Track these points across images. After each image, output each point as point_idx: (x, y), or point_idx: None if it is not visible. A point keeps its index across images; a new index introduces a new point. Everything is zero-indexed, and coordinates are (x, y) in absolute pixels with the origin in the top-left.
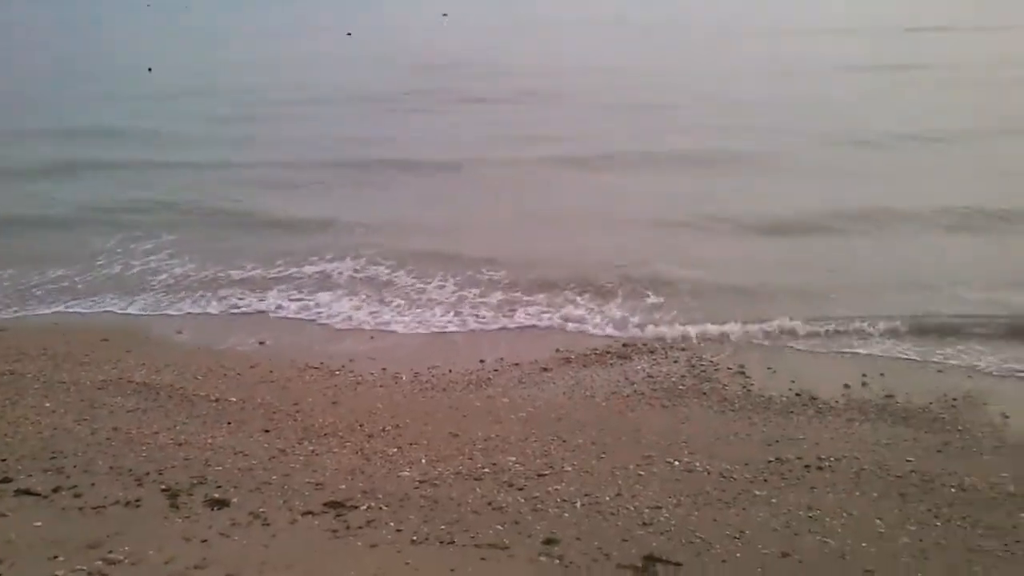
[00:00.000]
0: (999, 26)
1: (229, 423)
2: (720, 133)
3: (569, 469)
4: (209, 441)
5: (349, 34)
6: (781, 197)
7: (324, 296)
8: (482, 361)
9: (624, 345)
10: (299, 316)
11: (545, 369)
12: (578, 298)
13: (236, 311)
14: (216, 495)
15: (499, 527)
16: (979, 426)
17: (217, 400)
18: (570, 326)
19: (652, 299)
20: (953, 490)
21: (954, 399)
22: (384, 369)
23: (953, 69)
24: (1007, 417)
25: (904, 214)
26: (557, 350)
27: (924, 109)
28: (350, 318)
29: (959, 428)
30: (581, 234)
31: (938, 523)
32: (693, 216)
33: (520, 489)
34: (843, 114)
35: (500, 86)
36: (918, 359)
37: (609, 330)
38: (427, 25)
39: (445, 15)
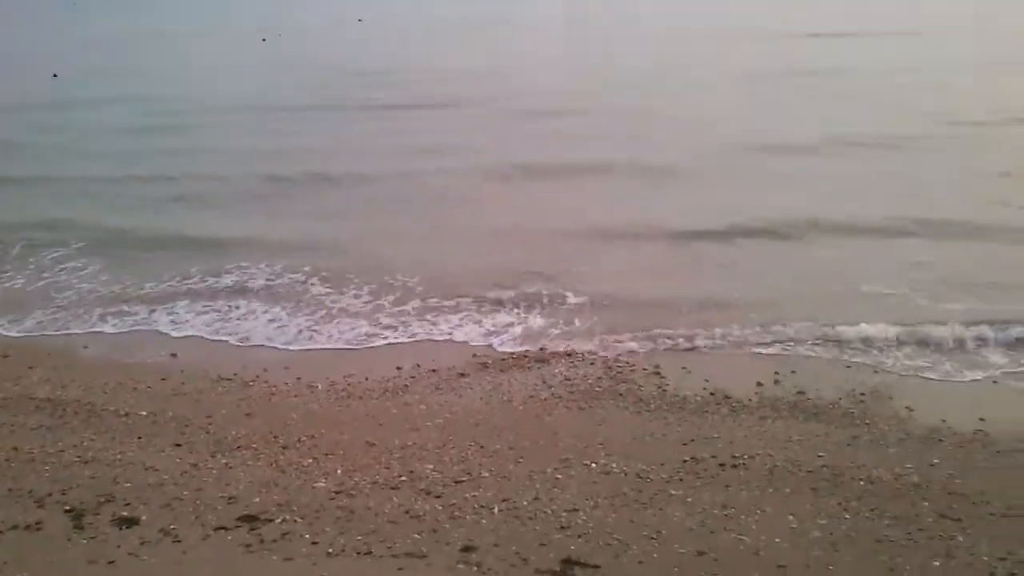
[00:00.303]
0: (900, 31)
1: (139, 438)
2: (628, 142)
3: (487, 475)
4: (118, 457)
5: (264, 39)
6: (692, 206)
7: (238, 308)
8: (399, 368)
9: (541, 349)
10: (212, 328)
11: (462, 375)
12: (495, 305)
13: (146, 325)
14: (124, 513)
15: (416, 536)
16: (885, 419)
17: (126, 414)
18: (487, 333)
19: (569, 304)
20: (862, 483)
21: (862, 394)
22: (299, 379)
23: (858, 75)
24: (911, 410)
25: (812, 221)
26: (474, 355)
27: (829, 115)
28: (264, 329)
29: (867, 422)
30: (496, 244)
31: (847, 516)
32: (606, 225)
33: (438, 497)
34: (749, 121)
35: (414, 93)
36: (828, 357)
37: (526, 335)
38: (343, 29)
39: (360, 20)
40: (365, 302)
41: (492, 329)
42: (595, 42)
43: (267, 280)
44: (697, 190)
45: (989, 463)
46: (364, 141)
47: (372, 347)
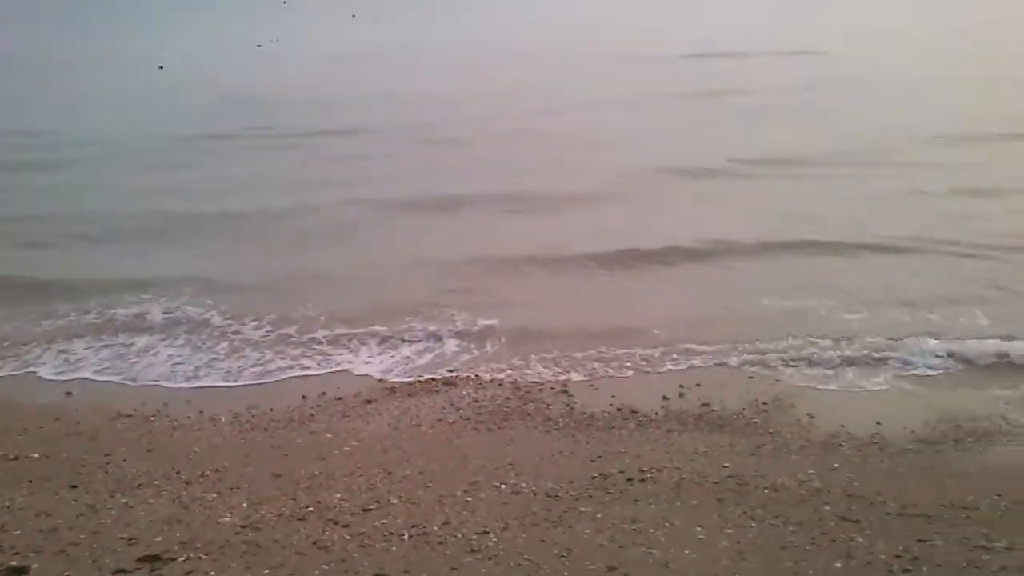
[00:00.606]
0: (796, 50)
1: (30, 481)
2: (532, 168)
3: (396, 501)
4: (6, 504)
5: (161, 67)
6: (598, 230)
7: (135, 343)
8: (304, 398)
9: (450, 372)
10: (110, 365)
11: (369, 401)
12: (401, 332)
13: (37, 365)
14: (13, 563)
15: (325, 567)
16: (788, 428)
17: (16, 458)
18: (394, 359)
19: (477, 329)
20: (766, 491)
21: (765, 404)
22: (202, 412)
23: (755, 95)
24: (812, 417)
25: (717, 241)
26: (381, 381)
27: (729, 137)
28: (165, 364)
29: (770, 431)
30: (402, 273)
31: (753, 524)
32: (514, 253)
33: (346, 526)
34: (652, 144)
35: (313, 121)
36: (732, 370)
37: (434, 360)
38: (242, 56)
39: (260, 46)
40: (267, 332)
41: (399, 355)
42: (495, 68)
43: (166, 315)
44: (603, 215)
45: (885, 465)
46: (261, 172)
47: (277, 379)
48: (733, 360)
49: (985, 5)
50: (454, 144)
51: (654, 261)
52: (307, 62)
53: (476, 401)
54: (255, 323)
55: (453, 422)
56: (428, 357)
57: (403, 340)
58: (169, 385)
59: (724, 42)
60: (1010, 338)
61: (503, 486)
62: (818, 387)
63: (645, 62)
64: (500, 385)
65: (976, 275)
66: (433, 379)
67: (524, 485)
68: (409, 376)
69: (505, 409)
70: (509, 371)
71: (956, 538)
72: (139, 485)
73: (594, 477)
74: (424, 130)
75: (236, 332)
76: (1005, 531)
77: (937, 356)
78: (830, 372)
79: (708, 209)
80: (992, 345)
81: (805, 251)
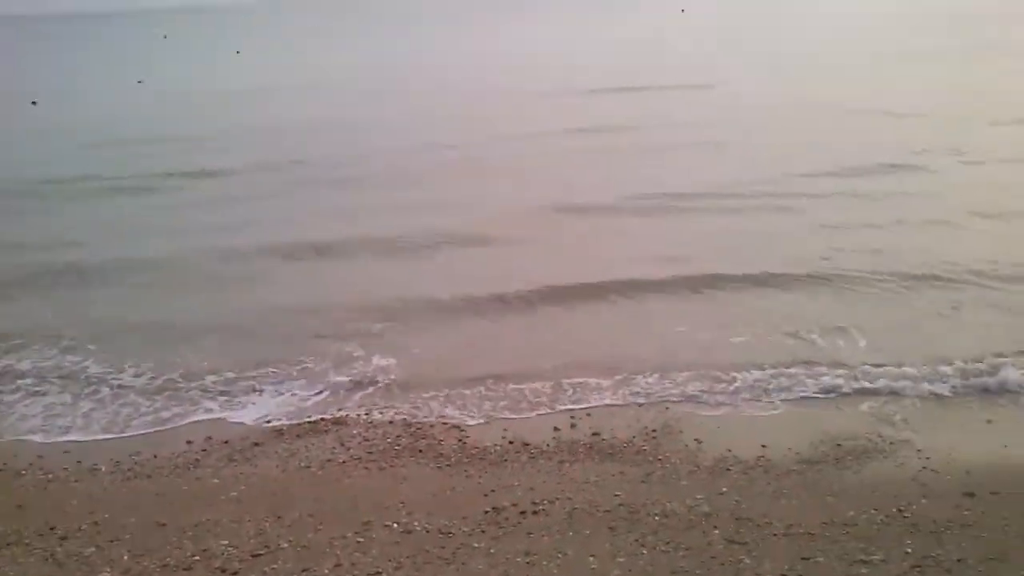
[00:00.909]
0: (686, 85)
1: None
2: (427, 209)
3: (285, 546)
4: None
5: (34, 103)
6: (494, 272)
7: (5, 396)
8: (189, 443)
9: (339, 410)
10: None
11: (257, 444)
12: (289, 374)
13: None
14: None
15: None
16: (676, 453)
17: None
18: (281, 401)
19: (368, 369)
20: (657, 518)
21: (654, 431)
22: (80, 463)
23: (645, 131)
24: (700, 443)
25: (611, 280)
26: (269, 423)
27: (625, 173)
28: (40, 414)
29: (660, 458)
30: (284, 319)
31: (644, 551)
32: (410, 296)
33: (234, 573)
34: (550, 181)
35: (191, 162)
36: (622, 399)
37: (324, 400)
38: (122, 93)
39: (140, 81)
40: (149, 380)
41: (287, 397)
42: (387, 102)
43: (38, 366)
44: (494, 255)
45: (771, 487)
46: (137, 218)
47: (161, 426)
48: (623, 390)
49: (880, 38)
50: (340, 184)
51: (545, 300)
52: (188, 98)
53: (367, 440)
54: (134, 371)
55: (343, 462)
56: (317, 398)
57: (291, 382)
58: (44, 436)
59: (626, 76)
60: (898, 365)
61: (395, 525)
62: (706, 413)
63: (547, 96)
64: (391, 423)
65: (860, 304)
66: (323, 419)
67: (416, 523)
68: (298, 418)
69: (396, 447)
70: (400, 409)
71: (837, 554)
72: (8, 544)
73: (487, 512)
74: (308, 169)
75: (115, 381)
76: (881, 544)
77: (821, 380)
78: (718, 398)
79: (600, 246)
80: (872, 370)
81: (695, 284)
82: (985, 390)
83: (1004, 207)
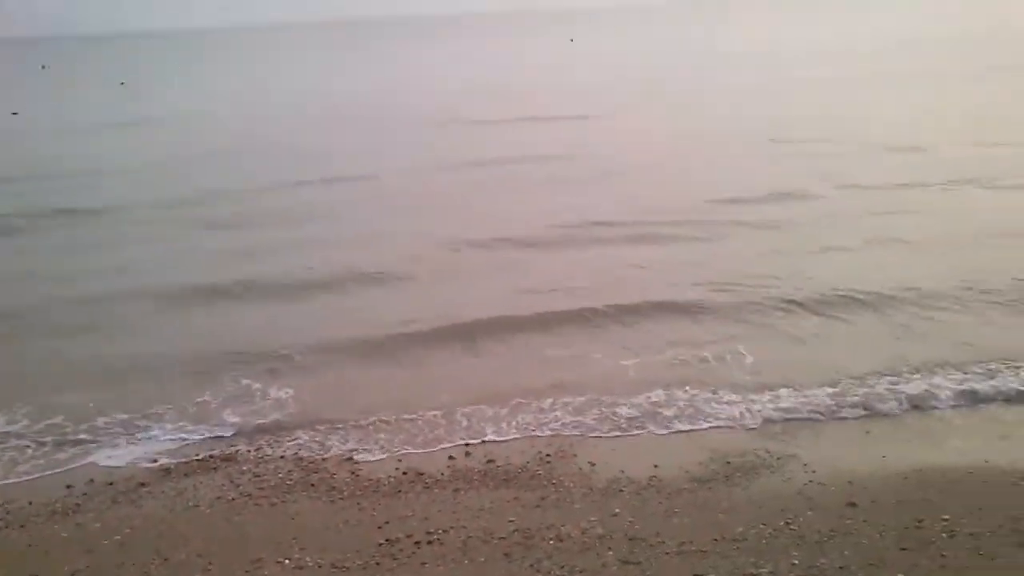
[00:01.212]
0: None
1: None
2: (327, 246)
3: None
4: None
5: None
6: (396, 311)
7: None
8: (69, 487)
9: (230, 447)
10: None
11: (143, 484)
12: (177, 410)
13: None
14: None
15: None
16: (570, 477)
17: None
18: (169, 439)
19: (259, 403)
20: (551, 542)
21: (548, 456)
22: None
23: (551, 161)
24: (593, 465)
25: (496, 316)
26: (155, 462)
27: (532, 205)
28: None
29: (554, 482)
30: (176, 360)
31: None
32: (289, 337)
33: None
34: (458, 214)
35: (63, 200)
36: (515, 425)
37: (213, 437)
38: None
39: (15, 113)
40: (26, 425)
41: (175, 435)
42: (280, 134)
43: None
44: (396, 292)
45: (663, 506)
46: (5, 262)
47: (37, 473)
48: (518, 417)
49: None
50: (224, 225)
51: (441, 335)
52: (67, 133)
53: (257, 476)
54: (6, 417)
55: (233, 499)
56: (207, 436)
57: (180, 421)
58: None
59: (519, 105)
60: (784, 384)
61: (287, 561)
62: (599, 436)
63: (440, 126)
64: (283, 458)
65: (749, 327)
66: (211, 456)
67: (309, 559)
68: (186, 456)
69: (288, 482)
70: (292, 444)
71: (728, 569)
72: None
73: (381, 544)
74: (192, 208)
75: None
76: (770, 557)
77: (711, 401)
78: (611, 422)
79: (494, 279)
80: (760, 389)
81: (587, 313)
82: (866, 406)
83: (892, 233)
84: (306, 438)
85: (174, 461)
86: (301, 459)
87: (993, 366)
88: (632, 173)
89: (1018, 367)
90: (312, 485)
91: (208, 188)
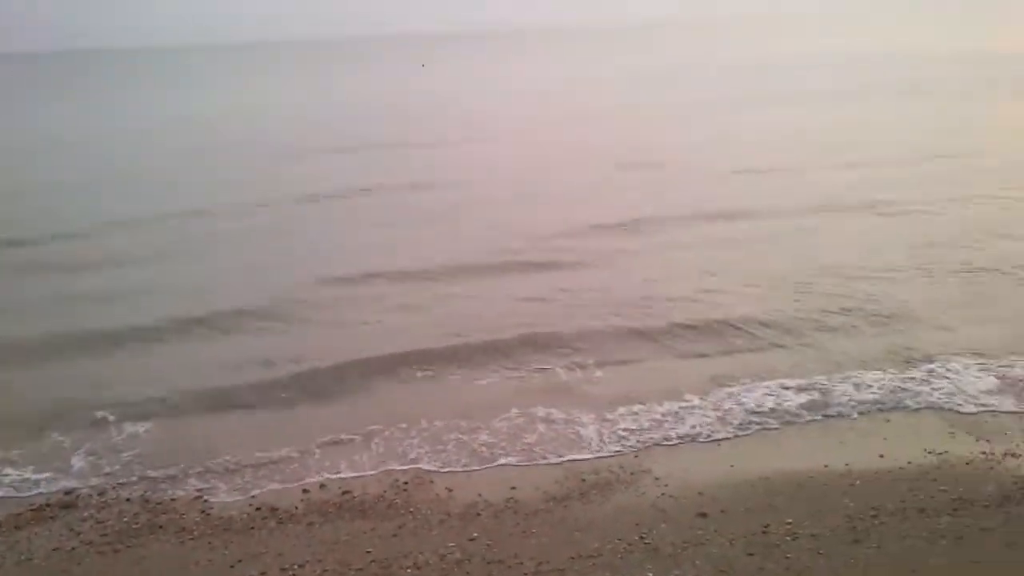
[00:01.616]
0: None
1: None
2: (173, 293)
3: None
4: None
5: None
6: (250, 355)
7: None
8: None
9: (67, 494)
10: None
11: None
12: (8, 456)
13: None
14: None
15: None
16: (427, 504)
17: None
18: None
19: (101, 445)
20: (409, 570)
21: (405, 483)
22: None
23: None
24: (451, 491)
25: (345, 361)
26: None
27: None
28: None
29: (411, 510)
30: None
31: None
32: (136, 386)
33: None
34: (316, 251)
35: None
36: (373, 457)
37: (48, 482)
38: None
39: None
40: None
41: (6, 484)
42: (105, 166)
43: None
44: (265, 335)
45: (520, 527)
46: None
47: None
48: (373, 447)
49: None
50: (57, 268)
51: (292, 380)
52: None
53: (100, 522)
54: None
55: (72, 549)
56: (41, 483)
57: (8, 469)
58: None
59: (361, 134)
60: (637, 400)
61: None
62: (456, 460)
63: (285, 158)
64: (128, 500)
65: (598, 351)
66: (47, 504)
67: None
68: (18, 507)
69: (134, 526)
70: (139, 486)
71: None
72: None
73: None
74: (16, 250)
75: None
76: (625, 572)
77: (565, 420)
78: (468, 447)
79: (346, 318)
80: (614, 407)
81: (444, 344)
82: (714, 418)
83: (721, 264)
84: (154, 479)
85: (4, 513)
86: (148, 501)
87: (829, 378)
88: (480, 203)
89: (850, 377)
90: (160, 527)
91: (38, 226)
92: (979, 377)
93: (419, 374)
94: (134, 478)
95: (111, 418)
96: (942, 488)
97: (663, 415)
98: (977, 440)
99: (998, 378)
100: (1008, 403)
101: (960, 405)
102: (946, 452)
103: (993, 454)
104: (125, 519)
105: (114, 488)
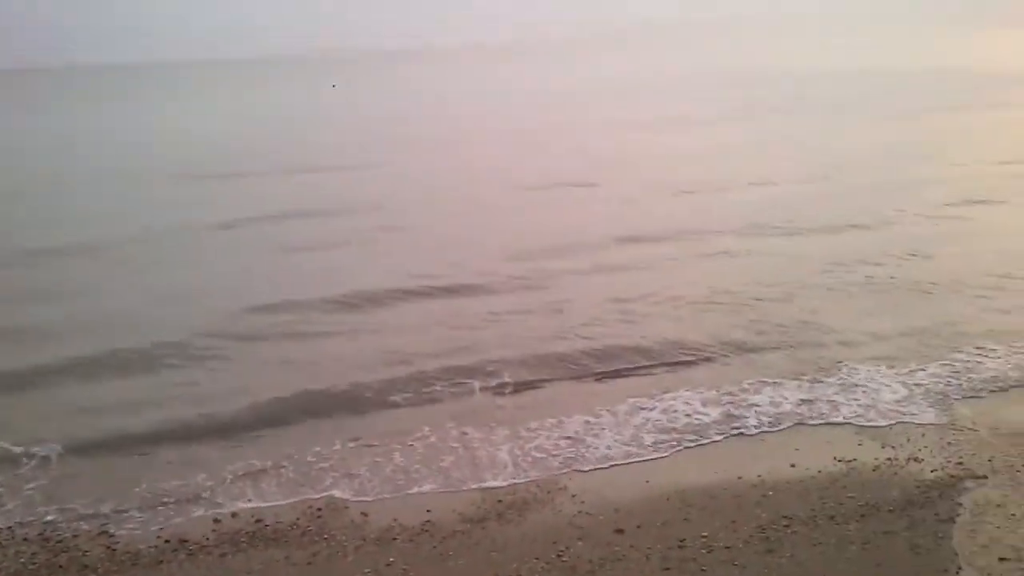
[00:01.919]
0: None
1: None
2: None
3: None
4: None
5: None
6: (176, 393)
7: None
8: None
9: None
10: None
11: None
12: None
13: None
14: None
15: None
16: (342, 530)
17: None
18: None
19: None
20: None
21: (319, 509)
22: None
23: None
24: (366, 516)
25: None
26: None
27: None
28: None
29: (325, 536)
30: None
31: None
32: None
33: None
34: (227, 283)
35: None
36: (286, 483)
37: None
38: None
39: None
40: None
41: None
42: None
43: None
44: (171, 372)
45: (437, 550)
46: None
47: None
48: (284, 472)
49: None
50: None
51: (207, 421)
52: None
53: None
54: None
55: None
56: None
57: None
58: None
59: (276, 156)
60: (551, 416)
61: None
62: (370, 486)
63: (190, 181)
64: (26, 540)
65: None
66: None
67: None
68: None
69: (31, 567)
70: (36, 525)
71: None
72: None
73: None
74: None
75: None
76: None
77: (482, 443)
78: (381, 470)
79: (262, 353)
80: (528, 423)
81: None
82: (635, 434)
83: (633, 286)
84: (53, 517)
85: None
86: (47, 539)
87: (741, 391)
88: (409, 227)
89: (762, 390)
90: (60, 567)
91: None
92: (887, 385)
93: (333, 400)
94: (30, 518)
95: (13, 453)
96: (850, 495)
97: (578, 433)
98: (883, 447)
99: (904, 386)
100: (912, 410)
101: (867, 413)
102: (854, 460)
103: (897, 460)
104: (21, 560)
105: (10, 529)
